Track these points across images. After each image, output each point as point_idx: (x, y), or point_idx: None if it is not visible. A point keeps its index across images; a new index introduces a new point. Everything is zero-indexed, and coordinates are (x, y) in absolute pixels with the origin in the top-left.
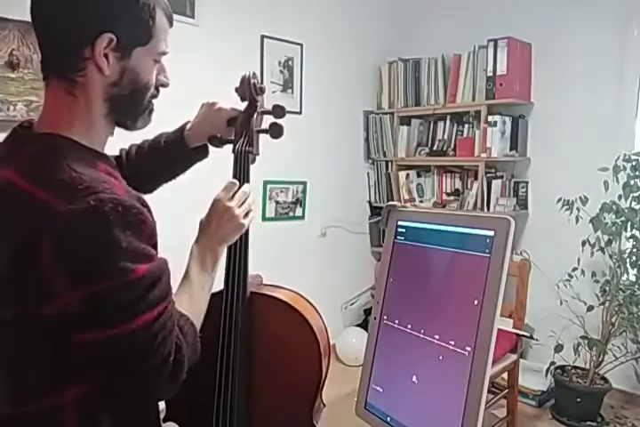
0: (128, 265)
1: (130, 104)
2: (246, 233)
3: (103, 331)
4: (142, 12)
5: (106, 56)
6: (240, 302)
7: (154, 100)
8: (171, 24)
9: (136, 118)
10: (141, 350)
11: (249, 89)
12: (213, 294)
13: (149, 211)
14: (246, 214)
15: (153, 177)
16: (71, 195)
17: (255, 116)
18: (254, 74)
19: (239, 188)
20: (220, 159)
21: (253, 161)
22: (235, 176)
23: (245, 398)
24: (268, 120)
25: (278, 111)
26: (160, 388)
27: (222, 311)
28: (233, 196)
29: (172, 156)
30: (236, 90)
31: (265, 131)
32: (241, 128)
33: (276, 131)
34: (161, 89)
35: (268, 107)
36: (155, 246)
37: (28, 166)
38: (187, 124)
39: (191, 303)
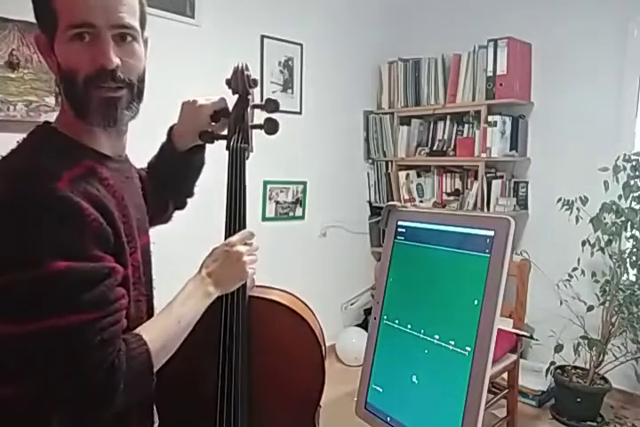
0: (43, 258)
1: (70, 97)
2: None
3: (14, 325)
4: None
5: (49, 56)
6: (241, 306)
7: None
8: None
9: (84, 110)
10: (56, 355)
11: (242, 81)
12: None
13: (110, 217)
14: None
15: (166, 187)
16: (5, 179)
17: (249, 110)
18: (247, 66)
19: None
20: (213, 156)
21: (247, 157)
22: (231, 174)
23: (247, 407)
24: (258, 115)
25: (271, 105)
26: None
27: (222, 318)
28: (245, 244)
29: (169, 163)
30: (228, 82)
31: (259, 126)
32: (234, 123)
33: (271, 126)
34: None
35: (257, 101)
36: (116, 254)
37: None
38: (172, 128)
39: (159, 333)
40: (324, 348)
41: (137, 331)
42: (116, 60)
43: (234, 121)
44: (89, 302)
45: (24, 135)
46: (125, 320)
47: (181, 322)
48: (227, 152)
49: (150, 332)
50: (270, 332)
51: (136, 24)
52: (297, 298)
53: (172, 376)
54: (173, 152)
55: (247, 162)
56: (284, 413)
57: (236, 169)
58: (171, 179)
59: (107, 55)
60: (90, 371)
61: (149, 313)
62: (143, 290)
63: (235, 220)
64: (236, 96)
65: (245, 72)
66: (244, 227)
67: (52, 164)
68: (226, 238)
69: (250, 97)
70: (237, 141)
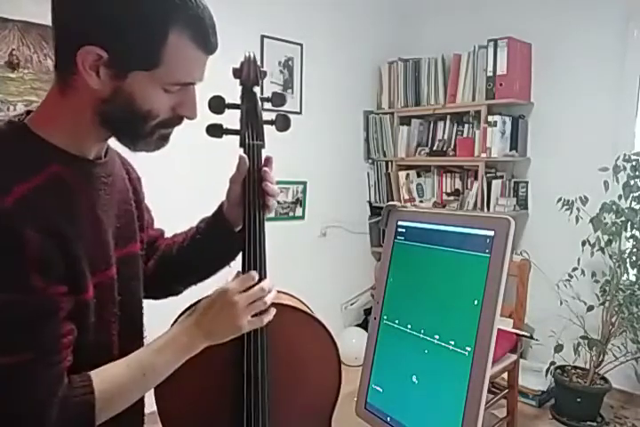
0: None
1: (124, 126)
2: (263, 246)
3: None
4: (146, 32)
5: (96, 70)
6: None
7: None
8: (207, 51)
9: (134, 141)
10: None
11: (255, 71)
12: None
13: (61, 237)
14: (255, 315)
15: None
16: None
17: (259, 104)
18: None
19: (259, 280)
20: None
21: None
22: (248, 174)
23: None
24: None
25: (278, 99)
26: None
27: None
28: (246, 290)
29: (218, 243)
30: (236, 72)
31: (271, 122)
32: (247, 118)
33: (282, 123)
34: None
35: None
36: (69, 279)
37: None
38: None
39: (117, 382)
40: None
41: (93, 373)
42: None
43: (246, 115)
44: (26, 342)
45: None
46: (71, 358)
47: (148, 374)
48: (234, 149)
49: (106, 378)
50: (288, 340)
51: None
52: (299, 300)
53: (187, 402)
54: (229, 232)
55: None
56: (303, 421)
57: (254, 168)
58: (210, 261)
59: (195, 110)
60: (18, 418)
61: (132, 335)
62: (116, 310)
63: (254, 224)
64: (240, 88)
65: (257, 62)
66: (264, 233)
67: (6, 174)
68: (247, 248)
69: (257, 89)
70: (252, 138)
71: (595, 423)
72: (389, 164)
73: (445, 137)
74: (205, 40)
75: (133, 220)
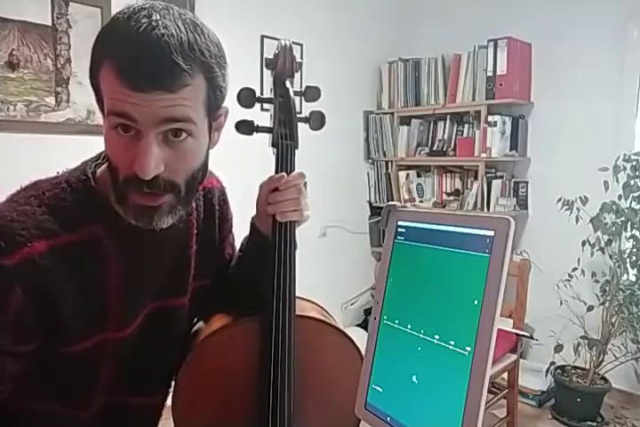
0: None
1: (111, 183)
2: (294, 248)
3: None
4: (91, 68)
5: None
6: (291, 331)
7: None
8: (131, 88)
9: (119, 202)
10: None
11: (291, 62)
12: (248, 322)
13: (55, 305)
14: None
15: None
16: None
17: (292, 98)
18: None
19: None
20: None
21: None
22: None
23: None
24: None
25: (312, 93)
26: None
27: (271, 347)
28: None
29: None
30: (271, 63)
31: (305, 120)
32: (281, 114)
33: (318, 121)
34: None
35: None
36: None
37: None
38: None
39: None
40: None
41: None
42: (155, 170)
43: (280, 111)
44: None
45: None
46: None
47: None
48: (269, 148)
49: None
50: (316, 356)
51: (196, 116)
52: (321, 307)
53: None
54: (264, 241)
55: (247, 162)
56: None
57: (287, 169)
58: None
59: (143, 165)
60: None
61: (134, 383)
62: (113, 364)
63: (284, 239)
64: (272, 81)
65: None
66: (294, 247)
67: (39, 226)
68: (276, 262)
69: (289, 82)
70: (284, 137)
71: (595, 423)
72: (389, 164)
73: (445, 137)
74: (128, 78)
75: (184, 276)
